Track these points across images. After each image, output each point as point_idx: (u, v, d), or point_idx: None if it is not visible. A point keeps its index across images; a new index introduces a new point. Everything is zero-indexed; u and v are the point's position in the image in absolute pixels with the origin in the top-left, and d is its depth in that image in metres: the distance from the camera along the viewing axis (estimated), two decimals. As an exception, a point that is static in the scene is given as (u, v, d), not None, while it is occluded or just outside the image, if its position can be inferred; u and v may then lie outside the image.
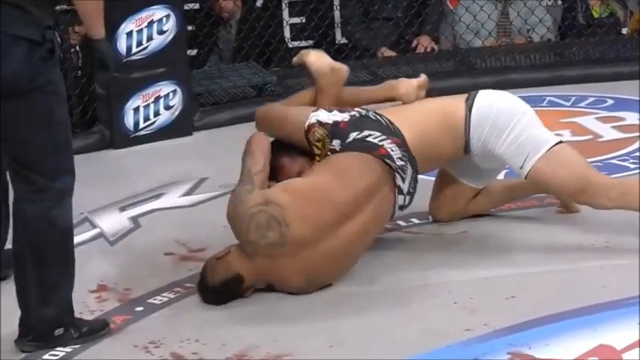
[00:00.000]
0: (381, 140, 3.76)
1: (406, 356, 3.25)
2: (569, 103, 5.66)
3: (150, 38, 5.37)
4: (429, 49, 6.51)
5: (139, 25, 5.34)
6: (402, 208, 3.84)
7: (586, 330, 3.31)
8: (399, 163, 3.77)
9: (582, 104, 5.63)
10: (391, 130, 3.81)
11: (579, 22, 6.62)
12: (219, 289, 3.64)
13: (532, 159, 3.84)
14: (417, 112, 3.96)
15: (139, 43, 5.35)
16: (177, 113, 5.49)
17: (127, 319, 3.61)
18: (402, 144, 3.80)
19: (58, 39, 5.69)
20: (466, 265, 3.86)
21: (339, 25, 6.64)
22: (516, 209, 4.27)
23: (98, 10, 3.61)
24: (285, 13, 6.70)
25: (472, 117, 3.91)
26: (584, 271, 3.74)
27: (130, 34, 5.33)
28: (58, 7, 5.60)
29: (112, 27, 5.30)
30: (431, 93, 6.02)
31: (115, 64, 3.82)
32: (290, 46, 6.42)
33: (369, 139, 3.76)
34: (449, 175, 4.14)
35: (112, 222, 4.46)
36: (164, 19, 5.38)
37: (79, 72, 5.70)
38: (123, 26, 5.32)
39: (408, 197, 3.82)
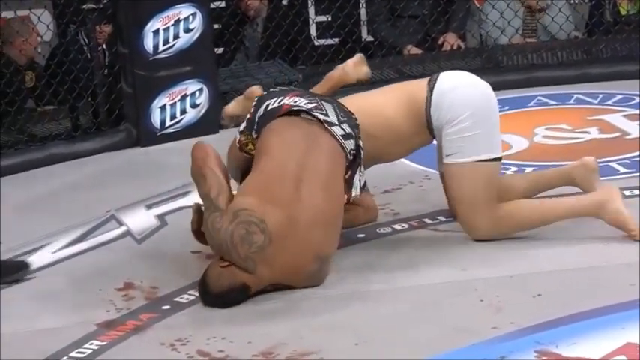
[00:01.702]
0: (280, 101, 3.83)
1: (432, 354, 3.24)
2: (596, 101, 5.63)
3: (176, 37, 5.39)
4: (455, 47, 6.49)
5: (166, 24, 5.36)
6: (346, 137, 3.78)
7: (613, 328, 3.29)
8: (309, 106, 3.79)
9: (609, 102, 5.60)
10: (285, 90, 3.92)
11: (606, 20, 6.58)
12: (224, 295, 3.61)
13: (457, 158, 3.90)
14: (378, 96, 4.04)
15: (166, 42, 5.37)
16: (203, 111, 5.51)
17: (153, 317, 3.62)
18: (304, 93, 3.86)
19: (85, 38, 5.77)
20: (492, 262, 3.84)
21: (366, 22, 6.62)
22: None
23: None
24: (312, 11, 6.70)
25: (433, 98, 3.93)
26: (611, 269, 3.72)
27: (156, 32, 5.35)
28: (84, 6, 5.70)
29: (138, 25, 5.33)
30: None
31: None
32: (316, 44, 6.41)
33: (269, 108, 3.82)
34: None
35: (138, 220, 4.47)
36: (190, 17, 5.39)
37: (106, 70, 5.71)
38: (150, 24, 5.34)
39: (345, 125, 3.80)
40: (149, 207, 4.58)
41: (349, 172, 3.82)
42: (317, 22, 6.55)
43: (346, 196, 3.83)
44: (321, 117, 3.77)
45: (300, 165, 3.67)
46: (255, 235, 3.57)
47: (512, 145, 4.97)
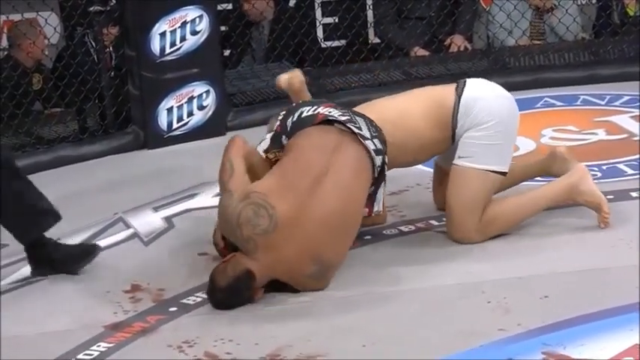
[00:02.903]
0: (314, 110, 3.84)
1: (440, 356, 3.24)
2: (603, 102, 5.62)
3: (183, 39, 5.39)
4: (462, 49, 6.47)
5: (173, 26, 5.35)
6: (378, 152, 3.80)
7: (621, 330, 3.29)
8: (343, 117, 3.80)
9: (617, 103, 5.58)
10: (320, 100, 3.94)
11: (614, 21, 6.57)
12: (232, 286, 3.59)
13: (471, 163, 3.92)
14: (404, 102, 4.04)
15: (173, 44, 5.37)
16: (210, 113, 5.50)
17: (160, 319, 3.62)
18: (337, 106, 3.86)
19: (92, 40, 5.77)
20: (499, 264, 3.84)
21: (372, 24, 6.61)
22: (549, 208, 4.25)
23: None
24: (318, 12, 6.69)
25: (460, 105, 3.95)
26: (618, 271, 3.71)
27: (163, 34, 5.34)
28: (91, 8, 5.70)
29: (145, 28, 5.33)
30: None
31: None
32: (323, 46, 6.40)
33: (303, 115, 3.83)
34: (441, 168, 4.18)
35: (146, 222, 4.47)
36: (197, 19, 5.39)
37: (113, 73, 5.72)
38: (156, 27, 5.34)
39: (377, 141, 3.81)
40: (156, 209, 4.58)
41: (373, 187, 3.84)
42: (324, 24, 6.55)
43: (367, 210, 3.86)
44: (355, 130, 3.78)
45: (324, 167, 3.68)
46: (261, 219, 3.58)
47: (520, 146, 4.93)
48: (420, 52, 6.41)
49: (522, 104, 5.53)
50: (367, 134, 3.80)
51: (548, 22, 6.55)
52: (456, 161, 3.96)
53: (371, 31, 6.70)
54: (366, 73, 6.04)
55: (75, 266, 3.99)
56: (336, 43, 6.31)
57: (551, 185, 4.07)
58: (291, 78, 4.36)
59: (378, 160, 3.80)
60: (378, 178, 3.84)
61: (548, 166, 4.19)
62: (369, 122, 3.86)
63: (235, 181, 3.72)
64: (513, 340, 3.29)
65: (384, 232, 4.17)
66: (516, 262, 3.85)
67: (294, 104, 4.02)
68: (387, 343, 3.36)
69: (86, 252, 4.03)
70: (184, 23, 5.37)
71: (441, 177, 4.17)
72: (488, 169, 3.94)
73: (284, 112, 3.92)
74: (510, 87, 5.75)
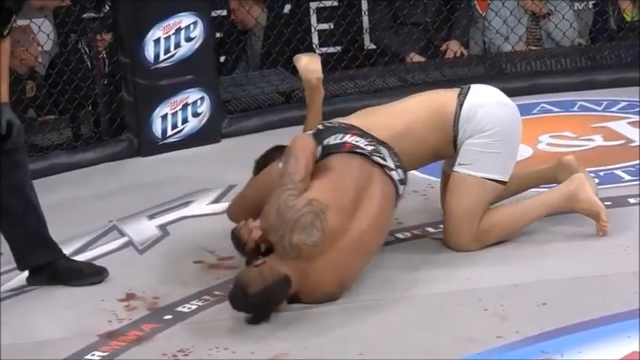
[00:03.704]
0: (342, 138, 3.85)
1: None
2: (600, 108, 5.61)
3: (177, 45, 5.36)
4: (458, 54, 6.45)
5: (167, 33, 5.33)
6: (402, 182, 3.84)
7: (619, 337, 3.28)
8: (369, 148, 3.82)
9: (614, 109, 5.57)
10: (345, 127, 3.91)
11: (611, 26, 6.56)
12: (270, 290, 3.54)
13: (470, 170, 3.92)
14: (408, 111, 4.02)
15: (167, 51, 5.34)
16: (205, 120, 5.48)
17: (155, 328, 3.61)
18: (363, 134, 3.87)
19: (86, 47, 5.75)
20: (496, 272, 3.83)
21: (368, 30, 6.57)
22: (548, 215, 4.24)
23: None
24: (313, 19, 6.67)
25: (462, 112, 3.95)
26: (616, 277, 3.71)
27: (157, 41, 5.32)
28: (85, 15, 5.68)
29: (139, 34, 5.31)
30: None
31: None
32: (318, 52, 6.37)
33: (331, 143, 3.85)
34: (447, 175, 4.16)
35: (140, 230, 4.45)
36: (192, 26, 5.37)
37: (107, 80, 5.70)
38: (150, 33, 5.31)
39: (400, 171, 3.84)
40: (151, 217, 4.56)
41: None
42: (319, 30, 6.49)
43: None
44: (381, 162, 3.81)
45: (359, 190, 3.71)
46: (316, 230, 3.56)
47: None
48: (416, 58, 6.40)
49: (519, 110, 5.56)
50: (392, 164, 3.83)
51: (545, 27, 6.55)
52: (455, 168, 3.96)
53: (366, 37, 6.66)
54: (362, 80, 6.03)
55: (78, 282, 3.97)
56: (331, 50, 6.30)
57: (550, 193, 4.06)
58: (310, 73, 4.24)
59: (402, 189, 3.86)
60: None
61: (555, 174, 4.17)
62: (392, 152, 3.87)
63: (304, 186, 3.69)
64: (511, 348, 3.28)
65: (381, 239, 4.16)
66: (514, 269, 3.84)
67: (322, 127, 3.97)
68: (383, 351, 3.35)
69: (94, 272, 4.01)
70: (179, 30, 5.35)
71: (447, 183, 4.14)
72: (487, 177, 3.93)
73: (314, 132, 3.94)
74: (507, 93, 5.71)
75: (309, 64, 4.22)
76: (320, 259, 3.59)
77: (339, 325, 3.54)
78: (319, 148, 3.85)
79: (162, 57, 5.34)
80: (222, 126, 5.57)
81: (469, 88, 4.03)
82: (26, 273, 4.02)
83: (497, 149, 3.93)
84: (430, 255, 3.99)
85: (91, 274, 3.99)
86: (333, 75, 6.03)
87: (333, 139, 3.86)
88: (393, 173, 3.82)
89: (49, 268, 3.97)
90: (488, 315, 3.51)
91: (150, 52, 5.30)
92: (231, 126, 5.60)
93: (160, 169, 5.21)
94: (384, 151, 3.86)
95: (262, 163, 4.13)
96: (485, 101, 3.98)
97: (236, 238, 3.82)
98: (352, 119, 4.03)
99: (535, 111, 5.63)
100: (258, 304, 3.56)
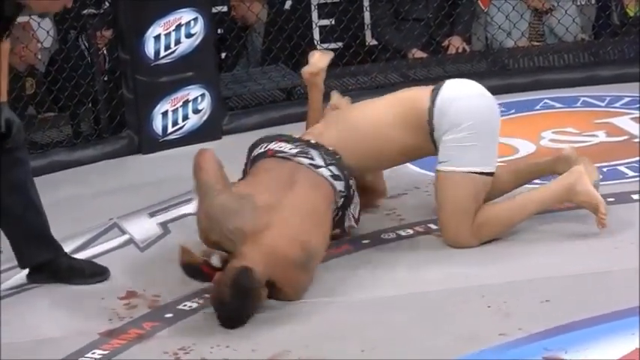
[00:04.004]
0: (266, 147, 3.98)
1: None
2: (603, 104, 5.59)
3: (178, 42, 5.35)
4: (460, 50, 6.45)
5: (167, 29, 5.32)
6: (335, 178, 3.88)
7: (623, 333, 3.26)
8: (294, 151, 3.90)
9: (617, 104, 5.55)
10: (272, 137, 4.04)
11: (613, 21, 6.54)
12: (236, 288, 3.50)
13: (450, 166, 3.92)
14: (377, 109, 4.06)
15: (167, 47, 5.33)
16: (205, 117, 5.47)
17: (156, 326, 3.60)
18: (290, 140, 3.96)
19: (86, 43, 5.74)
20: (499, 268, 3.82)
21: (369, 26, 6.58)
22: (550, 211, 4.20)
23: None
24: (315, 14, 6.66)
25: (435, 108, 3.94)
26: (620, 274, 3.68)
27: (157, 37, 5.31)
28: (85, 11, 5.66)
29: (139, 31, 5.29)
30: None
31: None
32: (319, 48, 6.37)
33: (256, 153, 4.01)
34: None
35: (141, 228, 4.44)
36: (192, 22, 5.36)
37: (107, 77, 5.69)
38: (151, 30, 5.30)
39: (333, 167, 3.89)
40: (152, 214, 4.55)
41: (339, 212, 3.93)
42: (320, 26, 6.51)
43: (339, 230, 4.00)
44: (307, 161, 3.87)
45: (282, 183, 3.78)
46: (244, 208, 3.63)
47: (519, 149, 4.94)
48: (418, 54, 6.39)
49: (522, 106, 5.60)
50: (320, 163, 3.88)
51: (547, 23, 6.53)
52: (437, 167, 3.97)
53: (368, 33, 6.66)
54: (364, 76, 6.02)
55: (79, 282, 3.96)
56: (332, 46, 6.28)
57: (548, 186, 4.04)
58: (315, 75, 4.36)
59: (339, 185, 3.88)
60: (345, 203, 3.92)
61: (554, 166, 4.16)
62: (325, 152, 3.93)
63: (219, 183, 3.76)
64: (514, 345, 3.27)
65: (383, 235, 4.15)
66: (516, 266, 3.82)
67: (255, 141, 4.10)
68: (385, 348, 3.34)
69: (96, 272, 4.01)
70: (179, 26, 5.34)
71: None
72: (471, 171, 3.91)
73: (249, 148, 4.08)
74: (509, 89, 5.82)
75: (315, 61, 4.34)
76: (268, 233, 3.60)
77: (340, 323, 3.53)
78: (250, 155, 4.00)
79: (162, 53, 5.32)
80: (223, 123, 5.56)
81: (443, 83, 4.02)
82: (26, 271, 4.00)
83: (474, 142, 3.90)
84: (433, 251, 3.98)
85: (93, 274, 3.98)
86: (334, 71, 6.00)
87: (258, 149, 3.99)
88: (322, 170, 3.86)
89: (50, 266, 3.95)
90: (491, 312, 3.50)
91: (150, 48, 5.28)
92: (232, 123, 5.59)
93: (161, 166, 5.20)
94: (313, 152, 3.91)
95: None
96: (459, 94, 3.97)
97: (188, 268, 3.72)
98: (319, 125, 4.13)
99: (538, 107, 5.62)
100: (238, 307, 3.53)
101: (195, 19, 5.36)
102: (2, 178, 3.83)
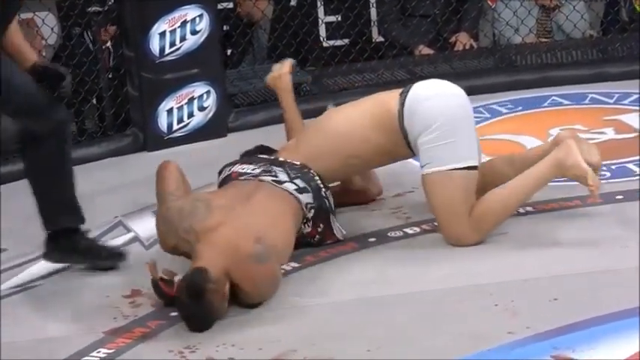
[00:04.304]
0: (230, 170, 4.08)
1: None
2: (612, 101, 5.57)
3: (183, 38, 5.35)
4: (467, 47, 6.43)
5: (172, 26, 5.32)
6: (300, 191, 3.93)
7: (632, 332, 3.23)
8: (257, 171, 3.98)
9: (626, 101, 5.53)
10: (234, 162, 4.14)
11: (622, 18, 6.52)
12: (191, 290, 3.49)
13: (432, 167, 3.92)
14: (351, 112, 4.09)
15: (172, 44, 5.32)
16: (211, 114, 5.46)
17: (161, 324, 3.58)
18: (253, 161, 4.07)
19: (91, 40, 5.73)
20: (506, 267, 3.80)
21: (376, 22, 6.56)
22: (558, 209, 4.21)
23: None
24: (321, 11, 6.65)
25: (405, 110, 3.96)
26: (628, 272, 3.65)
27: (162, 34, 5.31)
28: (89, 8, 5.65)
29: (144, 27, 5.28)
30: (470, 91, 6.01)
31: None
32: (325, 45, 6.37)
33: (221, 178, 4.13)
34: None
35: (146, 226, 4.40)
36: (197, 18, 5.35)
37: (111, 73, 5.68)
38: (156, 26, 5.29)
39: (298, 180, 3.95)
40: (156, 212, 4.52)
41: (322, 225, 3.99)
42: (326, 23, 6.49)
43: (332, 241, 4.04)
44: (270, 178, 3.92)
45: (242, 196, 3.84)
46: (199, 209, 3.70)
47: (527, 146, 4.90)
48: (425, 50, 6.38)
49: (529, 103, 5.60)
50: (284, 178, 3.93)
51: (555, 19, 6.52)
52: (421, 171, 3.97)
53: (374, 30, 6.64)
54: (370, 73, 6.01)
55: (94, 262, 3.97)
56: (338, 42, 6.29)
57: (537, 165, 4.00)
58: (276, 78, 4.44)
59: (305, 197, 3.92)
60: (318, 215, 3.97)
61: (550, 151, 4.12)
62: (289, 167, 3.98)
63: (179, 189, 3.89)
64: (522, 344, 3.25)
65: (389, 234, 4.14)
66: (524, 265, 3.80)
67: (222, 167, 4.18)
68: (392, 347, 3.32)
69: (113, 255, 4.04)
70: (184, 23, 5.33)
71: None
72: (453, 168, 3.90)
73: (218, 173, 4.19)
74: (517, 85, 5.82)
75: (277, 68, 4.48)
76: (221, 229, 3.62)
77: (347, 322, 3.51)
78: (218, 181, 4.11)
79: (167, 50, 5.31)
80: (229, 120, 5.54)
81: (411, 85, 4.04)
82: (27, 273, 4.01)
83: (450, 139, 3.90)
84: (439, 249, 3.96)
85: (110, 257, 4.02)
86: (340, 68, 6.02)
87: (224, 174, 4.10)
88: (285, 185, 3.92)
89: (70, 238, 3.97)
90: (499, 310, 3.48)
91: (155, 45, 5.27)
92: (237, 120, 5.57)
93: (166, 164, 5.19)
94: (276, 169, 3.98)
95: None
96: (426, 95, 3.97)
97: (153, 285, 3.73)
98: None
99: (546, 104, 5.60)
100: (197, 308, 3.50)
101: (201, 16, 5.35)
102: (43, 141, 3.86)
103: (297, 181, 3.94)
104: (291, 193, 3.91)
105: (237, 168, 4.06)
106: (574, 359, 3.13)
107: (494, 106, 5.57)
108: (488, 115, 5.44)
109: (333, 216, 4.03)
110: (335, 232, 4.04)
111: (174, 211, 3.75)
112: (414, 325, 3.46)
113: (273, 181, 3.94)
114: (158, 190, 3.87)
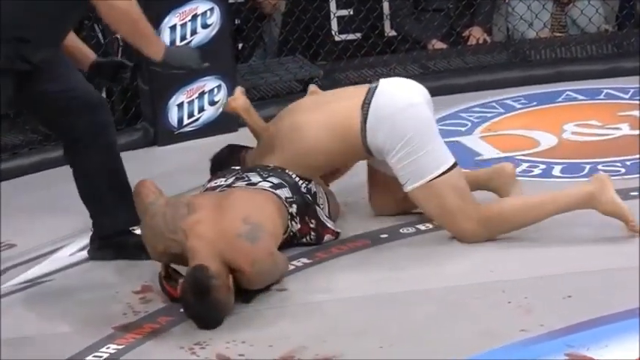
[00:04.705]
0: (204, 188, 4.06)
1: (459, 358, 3.19)
2: (627, 96, 5.52)
3: (194, 32, 5.32)
4: (481, 41, 6.40)
5: (183, 19, 5.29)
6: (275, 187, 3.90)
7: (648, 331, 3.22)
8: (229, 181, 3.96)
9: (641, 96, 5.51)
10: (210, 178, 4.14)
11: (638, 12, 6.49)
12: (195, 287, 3.47)
13: (412, 184, 3.90)
14: (308, 123, 4.03)
15: (183, 38, 5.30)
16: (222, 109, 5.40)
17: (171, 320, 3.57)
18: (226, 173, 4.05)
19: (100, 33, 5.70)
20: (520, 263, 3.78)
21: (388, 17, 6.54)
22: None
23: (139, 33, 3.72)
24: (332, 5, 6.62)
25: (367, 128, 3.93)
26: (644, 270, 3.64)
27: (173, 28, 5.28)
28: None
29: (155, 21, 5.24)
30: (484, 86, 5.97)
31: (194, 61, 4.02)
32: (337, 39, 6.35)
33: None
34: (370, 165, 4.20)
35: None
36: (208, 12, 5.33)
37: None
38: (166, 20, 5.27)
39: (272, 178, 3.93)
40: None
41: (313, 221, 3.98)
42: (338, 17, 6.46)
43: (331, 234, 4.03)
44: (243, 183, 3.91)
45: (227, 193, 3.85)
46: (180, 209, 3.67)
47: (541, 142, 4.90)
48: (438, 45, 6.34)
49: (543, 98, 5.57)
50: (257, 179, 3.93)
51: (570, 13, 6.47)
52: (404, 189, 3.94)
53: (387, 24, 6.61)
54: (382, 67, 5.97)
55: (141, 258, 3.93)
56: (350, 36, 6.25)
57: (568, 192, 3.95)
58: (232, 102, 4.41)
59: (283, 192, 3.89)
60: (305, 209, 3.95)
61: (489, 181, 4.18)
62: (261, 168, 4.01)
63: (161, 197, 3.84)
64: (535, 341, 3.24)
65: (401, 230, 4.12)
66: (538, 261, 3.78)
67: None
68: (404, 344, 3.30)
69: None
70: (195, 16, 5.30)
71: (373, 177, 4.20)
72: (432, 178, 3.89)
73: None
74: (531, 80, 5.79)
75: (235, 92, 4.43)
76: (205, 220, 3.61)
77: (358, 318, 3.50)
78: None
79: (178, 44, 5.27)
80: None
81: (372, 95, 3.97)
82: (37, 269, 4.02)
83: (420, 151, 3.88)
84: (452, 246, 3.94)
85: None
86: (352, 62, 6.00)
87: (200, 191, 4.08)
88: (260, 184, 3.91)
89: (123, 236, 4.00)
90: (512, 307, 3.46)
91: (165, 39, 5.22)
92: (247, 116, 5.54)
93: (176, 158, 5.17)
94: (248, 174, 3.98)
95: (217, 163, 4.27)
96: (387, 112, 3.92)
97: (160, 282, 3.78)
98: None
99: (560, 99, 5.56)
100: (205, 305, 3.48)
101: (212, 9, 5.33)
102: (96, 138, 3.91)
103: (271, 179, 3.93)
104: (267, 190, 3.88)
105: (210, 184, 4.04)
106: (588, 357, 3.11)
107: (507, 101, 5.54)
108: (501, 110, 5.42)
109: (320, 209, 4.01)
110: (327, 224, 4.02)
111: (159, 217, 3.68)
112: (427, 322, 3.44)
113: (247, 184, 3.92)
114: (138, 205, 3.80)
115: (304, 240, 3.99)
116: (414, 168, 3.89)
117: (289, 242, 3.93)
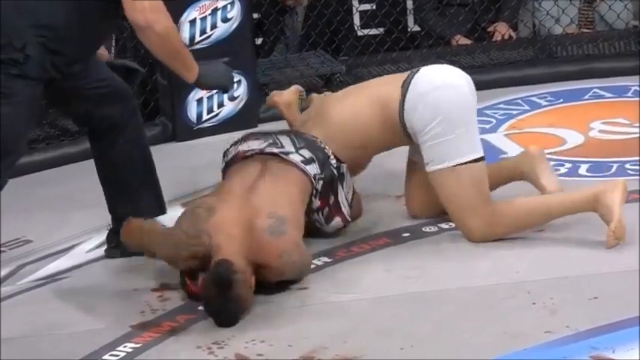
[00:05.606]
0: (235, 149, 4.00)
1: (483, 359, 3.16)
2: (656, 94, 5.50)
3: (214, 26, 5.29)
4: (506, 37, 6.36)
5: (203, 13, 5.27)
6: (306, 162, 3.86)
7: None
8: (262, 145, 3.92)
9: (670, 94, 5.47)
10: (240, 140, 4.06)
11: (668, 7, 6.44)
12: (218, 283, 3.43)
13: (435, 165, 3.88)
14: (352, 101, 4.05)
15: (203, 32, 5.27)
16: (242, 104, 5.41)
17: (190, 319, 3.55)
18: (260, 136, 4.00)
19: (119, 27, 5.68)
20: (545, 264, 3.74)
21: (412, 11, 6.51)
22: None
23: (175, 57, 3.72)
24: (355, -1, 6.61)
25: (405, 104, 3.92)
26: (672, 271, 3.60)
27: (193, 22, 5.26)
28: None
29: (175, 15, 5.20)
30: (509, 83, 5.91)
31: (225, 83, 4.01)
32: (360, 34, 6.35)
33: (227, 159, 4.03)
34: (414, 163, 4.15)
35: (174, 218, 4.32)
36: (228, 6, 5.30)
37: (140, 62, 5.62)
38: (186, 14, 5.25)
39: (304, 151, 3.89)
40: (185, 204, 4.46)
41: (332, 197, 3.92)
42: (361, 11, 6.43)
43: (340, 219, 3.97)
44: (276, 150, 3.87)
45: (245, 186, 3.77)
46: (200, 211, 3.65)
47: (567, 140, 4.86)
48: (462, 40, 6.31)
49: (570, 95, 5.53)
50: (291, 149, 3.88)
51: (598, 9, 6.44)
52: (426, 169, 3.92)
53: (410, 19, 6.58)
54: (405, 63, 5.91)
55: None
56: (373, 31, 6.24)
57: (575, 193, 3.91)
58: (276, 97, 4.47)
59: (312, 168, 3.85)
60: (330, 185, 3.91)
61: (521, 168, 4.14)
62: (295, 136, 3.96)
63: None
64: (560, 343, 3.21)
65: (424, 229, 4.09)
66: (563, 262, 3.74)
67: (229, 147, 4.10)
68: (426, 345, 3.28)
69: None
70: (215, 10, 5.28)
71: (412, 170, 4.16)
72: (456, 164, 3.85)
73: (223, 154, 4.09)
74: (557, 77, 5.74)
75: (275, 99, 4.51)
76: (230, 218, 3.59)
77: (379, 318, 3.47)
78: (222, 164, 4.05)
79: (197, 38, 5.25)
80: (260, 110, 5.48)
81: (413, 76, 3.98)
82: (52, 266, 4.01)
83: (450, 135, 3.85)
84: (475, 245, 3.90)
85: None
86: (374, 58, 5.97)
87: (229, 155, 4.01)
88: (292, 156, 3.85)
89: None
90: (537, 309, 3.43)
91: (185, 33, 5.21)
92: (268, 110, 5.48)
93: (195, 154, 5.14)
94: (284, 140, 3.93)
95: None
96: (426, 89, 3.91)
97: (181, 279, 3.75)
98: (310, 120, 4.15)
99: (587, 96, 5.52)
100: (225, 300, 3.45)
101: (232, 3, 5.30)
102: (124, 133, 3.90)
103: (303, 152, 3.88)
104: (298, 166, 3.84)
105: (243, 146, 3.98)
106: (614, 360, 3.08)
107: (533, 99, 5.50)
108: (527, 108, 5.38)
109: (341, 186, 3.95)
110: (342, 207, 3.96)
111: (180, 233, 3.65)
112: (450, 322, 3.41)
113: (281, 152, 3.87)
114: (146, 247, 3.76)
115: (315, 216, 3.94)
116: (441, 149, 3.86)
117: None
